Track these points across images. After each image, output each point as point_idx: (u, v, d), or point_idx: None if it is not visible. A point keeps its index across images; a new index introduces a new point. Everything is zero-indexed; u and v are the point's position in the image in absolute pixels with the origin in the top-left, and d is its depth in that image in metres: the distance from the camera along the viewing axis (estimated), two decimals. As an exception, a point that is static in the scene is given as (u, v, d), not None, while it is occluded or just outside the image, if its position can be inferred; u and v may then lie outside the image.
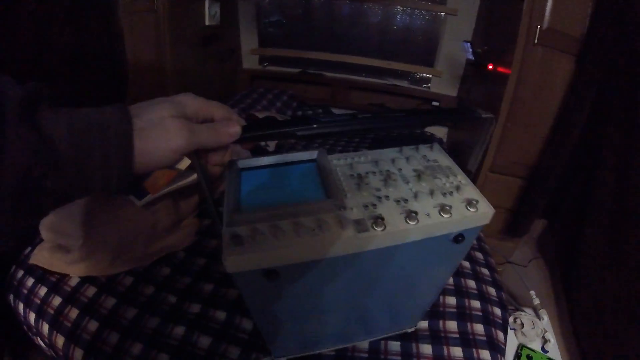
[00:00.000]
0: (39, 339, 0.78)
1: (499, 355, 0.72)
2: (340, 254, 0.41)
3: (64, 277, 0.80)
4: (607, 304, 0.97)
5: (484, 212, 0.44)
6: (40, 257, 0.81)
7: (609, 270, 0.99)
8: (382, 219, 0.41)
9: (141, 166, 0.32)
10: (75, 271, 0.80)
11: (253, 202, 0.43)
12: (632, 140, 0.96)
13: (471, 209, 0.43)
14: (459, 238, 0.46)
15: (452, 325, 0.76)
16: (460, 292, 0.83)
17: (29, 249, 0.86)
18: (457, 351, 0.71)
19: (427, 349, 0.71)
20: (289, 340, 0.64)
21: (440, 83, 1.97)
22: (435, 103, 1.97)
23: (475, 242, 0.98)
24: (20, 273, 0.83)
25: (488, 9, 1.60)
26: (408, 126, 0.45)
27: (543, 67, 1.15)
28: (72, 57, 1.10)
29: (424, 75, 2.02)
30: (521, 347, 0.86)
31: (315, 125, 0.40)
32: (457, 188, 0.46)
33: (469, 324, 0.76)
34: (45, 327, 0.74)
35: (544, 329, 0.89)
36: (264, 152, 1.33)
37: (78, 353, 0.68)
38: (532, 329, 0.88)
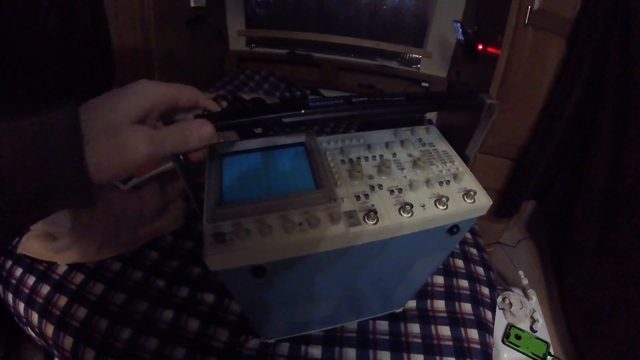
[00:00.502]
0: (29, 329, 0.77)
1: (487, 335, 0.73)
2: (331, 249, 0.39)
3: (52, 265, 0.79)
4: (597, 287, 0.98)
5: (481, 204, 0.42)
6: (28, 245, 0.80)
7: (599, 253, 1.00)
8: (375, 211, 0.39)
9: (100, 180, 0.29)
10: (63, 259, 0.79)
11: (236, 194, 0.40)
12: (624, 123, 0.95)
13: (468, 200, 0.42)
14: (454, 229, 0.44)
15: (441, 304, 0.77)
16: (448, 271, 0.84)
17: (17, 238, 0.84)
18: (445, 330, 0.71)
19: (415, 328, 0.72)
20: (278, 325, 0.64)
21: (430, 64, 1.95)
22: (424, 84, 1.95)
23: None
24: (9, 263, 0.81)
25: (479, -12, 1.57)
26: (408, 112, 0.43)
27: (533, 48, 1.14)
28: (57, 43, 1.07)
29: (414, 56, 2.00)
30: (510, 326, 0.87)
31: (303, 112, 0.37)
32: (455, 176, 0.44)
33: (457, 304, 0.77)
34: (35, 317, 0.73)
35: (533, 309, 0.90)
36: (251, 133, 1.31)
37: (68, 341, 0.68)
38: (521, 309, 0.89)
